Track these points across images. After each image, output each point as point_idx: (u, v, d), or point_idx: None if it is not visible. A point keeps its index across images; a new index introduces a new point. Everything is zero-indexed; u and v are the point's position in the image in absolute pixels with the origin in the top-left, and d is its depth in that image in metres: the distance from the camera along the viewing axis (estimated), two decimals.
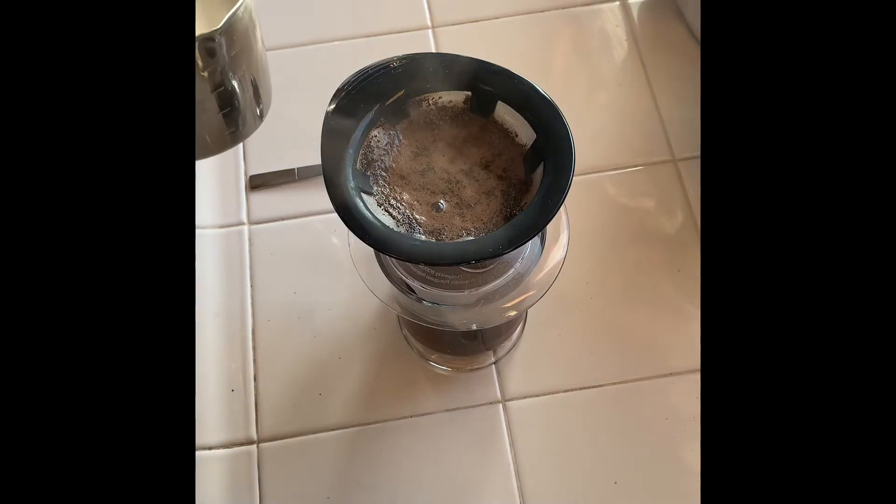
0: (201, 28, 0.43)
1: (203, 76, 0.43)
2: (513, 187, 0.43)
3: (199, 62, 0.42)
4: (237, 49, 0.43)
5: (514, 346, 0.58)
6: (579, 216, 0.60)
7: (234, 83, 0.44)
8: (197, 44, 0.41)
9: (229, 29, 0.42)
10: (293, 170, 0.64)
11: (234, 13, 0.42)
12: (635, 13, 0.72)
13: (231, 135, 0.47)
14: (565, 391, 0.56)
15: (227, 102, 0.45)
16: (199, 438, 0.55)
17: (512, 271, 0.46)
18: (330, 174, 0.41)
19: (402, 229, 0.41)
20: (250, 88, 0.46)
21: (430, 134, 0.45)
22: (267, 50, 0.70)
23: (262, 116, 0.49)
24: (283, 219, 0.63)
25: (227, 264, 0.61)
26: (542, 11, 0.71)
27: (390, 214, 0.42)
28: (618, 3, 0.72)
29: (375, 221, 0.40)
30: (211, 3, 0.45)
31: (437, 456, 0.54)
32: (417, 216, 0.42)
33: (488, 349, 0.57)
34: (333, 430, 0.55)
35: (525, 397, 0.56)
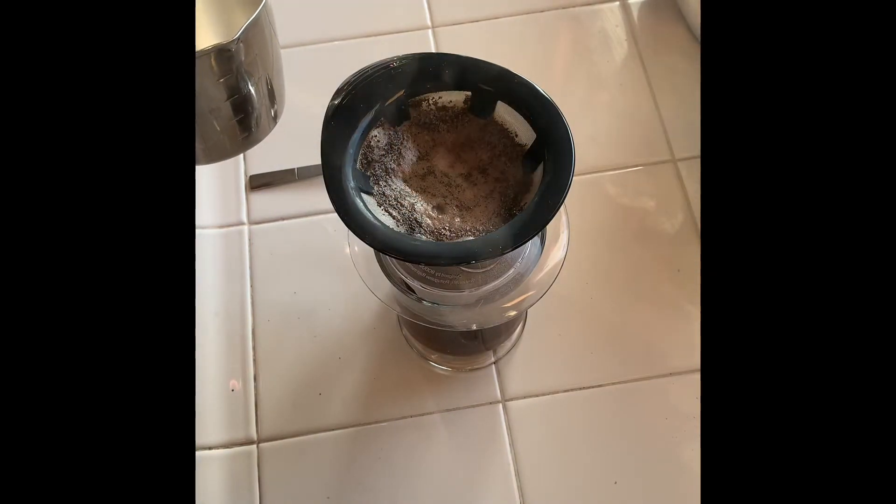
0: (219, 34, 0.43)
1: (219, 83, 0.42)
2: (512, 188, 0.43)
3: (215, 69, 0.41)
4: (254, 55, 0.42)
5: (514, 346, 0.58)
6: (579, 216, 0.60)
7: (251, 88, 0.44)
8: (213, 54, 0.40)
9: (247, 36, 0.41)
10: (293, 170, 0.64)
11: (253, 21, 0.41)
12: (635, 13, 0.72)
13: (245, 139, 0.46)
14: (565, 391, 0.56)
15: (242, 108, 0.44)
16: (199, 438, 0.55)
17: (512, 271, 0.46)
18: (330, 174, 0.41)
19: (402, 229, 0.41)
20: (265, 92, 0.46)
21: (431, 137, 0.45)
22: None
23: (276, 118, 0.48)
24: (283, 219, 0.63)
25: (227, 264, 0.61)
26: (542, 11, 0.71)
27: (390, 215, 0.42)
28: (618, 3, 0.72)
29: (375, 221, 0.40)
30: (228, 5, 0.44)
31: (437, 456, 0.54)
32: (417, 217, 0.42)
33: (488, 349, 0.57)
34: (333, 430, 0.55)
35: (525, 397, 0.56)
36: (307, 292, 0.60)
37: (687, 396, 0.55)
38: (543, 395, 0.56)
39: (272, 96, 0.47)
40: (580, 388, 0.56)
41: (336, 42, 0.70)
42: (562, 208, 0.44)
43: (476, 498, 0.53)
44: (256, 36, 0.42)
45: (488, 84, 0.43)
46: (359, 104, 0.42)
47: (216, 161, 0.48)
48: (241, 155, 0.65)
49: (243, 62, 0.42)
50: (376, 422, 0.55)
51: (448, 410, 0.56)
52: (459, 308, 0.47)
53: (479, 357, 0.57)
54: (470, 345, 0.56)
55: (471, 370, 0.57)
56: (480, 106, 0.44)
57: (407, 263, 0.46)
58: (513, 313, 0.47)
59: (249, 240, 0.62)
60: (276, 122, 0.48)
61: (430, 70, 0.44)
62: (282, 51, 0.70)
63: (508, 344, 0.58)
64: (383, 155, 0.43)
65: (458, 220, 0.42)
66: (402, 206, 0.42)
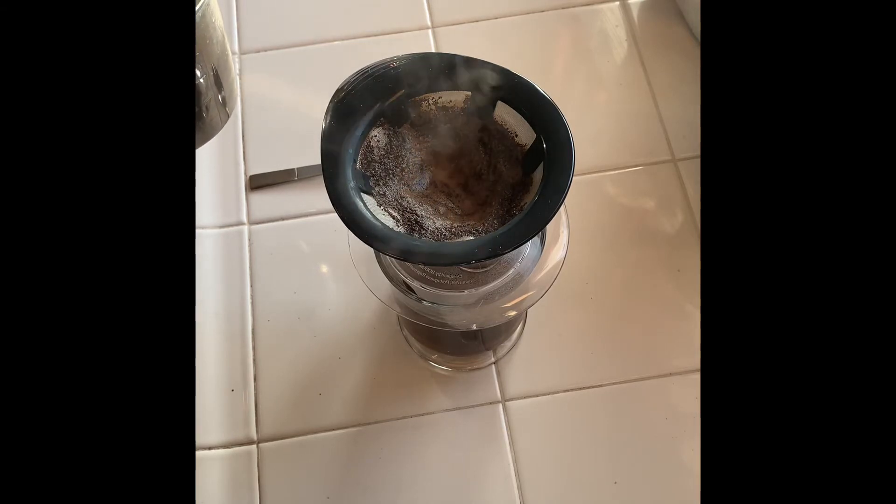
0: None
1: None
2: (512, 188, 0.43)
3: None
4: (197, 49, 0.43)
5: (514, 346, 0.58)
6: (579, 216, 0.60)
7: (200, 80, 0.45)
8: None
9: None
10: (293, 170, 0.64)
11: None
12: (635, 13, 0.72)
13: (198, 127, 0.48)
14: (565, 391, 0.56)
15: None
16: (199, 438, 0.55)
17: (512, 271, 0.46)
18: (330, 174, 0.41)
19: (402, 229, 0.41)
20: (212, 83, 0.47)
21: (431, 137, 0.44)
22: (267, 50, 0.71)
23: (225, 104, 0.49)
24: (283, 219, 0.63)
25: (227, 264, 0.61)
26: (542, 11, 0.71)
27: (390, 214, 0.42)
28: (618, 3, 0.72)
29: (375, 221, 0.40)
30: None
31: (437, 456, 0.54)
32: (417, 217, 0.42)
33: (488, 349, 0.57)
34: (333, 430, 0.55)
35: (525, 397, 0.56)
36: (307, 292, 0.60)
37: (687, 396, 0.55)
38: (543, 395, 0.56)
39: (219, 86, 0.47)
40: (580, 388, 0.56)
41: (336, 42, 0.70)
42: (562, 208, 0.44)
43: (476, 498, 0.53)
44: (198, 32, 0.43)
45: (488, 84, 0.43)
46: (359, 104, 0.42)
47: None
48: (241, 155, 0.65)
49: None
50: (376, 422, 0.55)
51: (448, 410, 0.56)
52: (459, 308, 0.47)
53: (479, 357, 0.57)
54: (470, 345, 0.56)
55: (471, 370, 0.57)
56: (480, 106, 0.44)
57: (407, 263, 0.46)
58: (513, 313, 0.47)
59: (249, 240, 0.62)
60: (228, 114, 0.49)
61: (430, 70, 0.44)
62: (283, 51, 0.70)
63: (508, 344, 0.58)
64: (383, 155, 0.43)
65: (457, 220, 0.42)
66: (402, 206, 0.42)
